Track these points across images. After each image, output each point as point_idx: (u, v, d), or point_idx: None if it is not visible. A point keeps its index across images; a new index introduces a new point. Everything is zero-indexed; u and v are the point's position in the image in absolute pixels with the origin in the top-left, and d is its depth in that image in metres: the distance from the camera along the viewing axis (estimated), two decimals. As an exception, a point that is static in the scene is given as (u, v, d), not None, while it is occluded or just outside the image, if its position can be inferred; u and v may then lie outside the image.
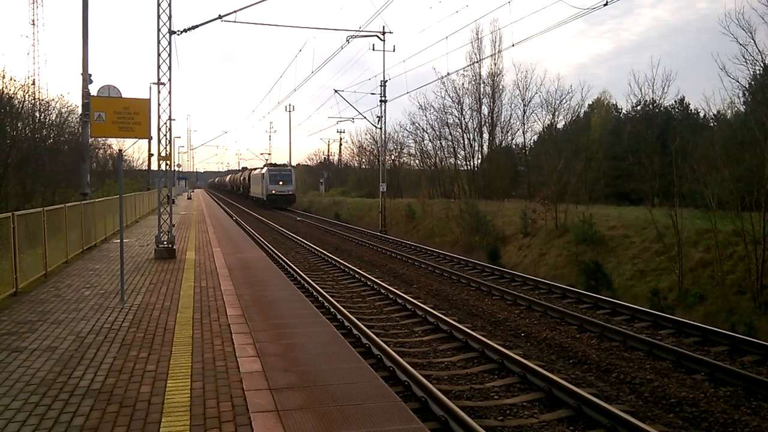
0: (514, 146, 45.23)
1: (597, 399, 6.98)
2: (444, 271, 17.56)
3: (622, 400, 7.60)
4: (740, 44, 20.24)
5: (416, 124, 51.27)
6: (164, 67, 14.85)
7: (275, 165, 57.39)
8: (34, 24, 55.32)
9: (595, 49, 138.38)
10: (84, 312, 8.51)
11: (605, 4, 15.13)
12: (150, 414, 4.80)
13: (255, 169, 69.22)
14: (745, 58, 20.64)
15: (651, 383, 8.07)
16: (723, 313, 14.02)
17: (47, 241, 11.69)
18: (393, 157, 53.37)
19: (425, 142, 50.14)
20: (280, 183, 52.33)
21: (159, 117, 14.89)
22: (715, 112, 32.25)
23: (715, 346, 9.96)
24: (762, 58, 20.57)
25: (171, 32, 15.01)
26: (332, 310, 11.82)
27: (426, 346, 10.02)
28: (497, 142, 43.97)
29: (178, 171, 69.60)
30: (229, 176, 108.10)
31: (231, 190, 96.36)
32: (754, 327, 12.58)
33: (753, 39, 21.39)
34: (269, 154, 75.46)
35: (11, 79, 27.05)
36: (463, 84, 47.66)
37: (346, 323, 10.73)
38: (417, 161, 53.72)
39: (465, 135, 44.26)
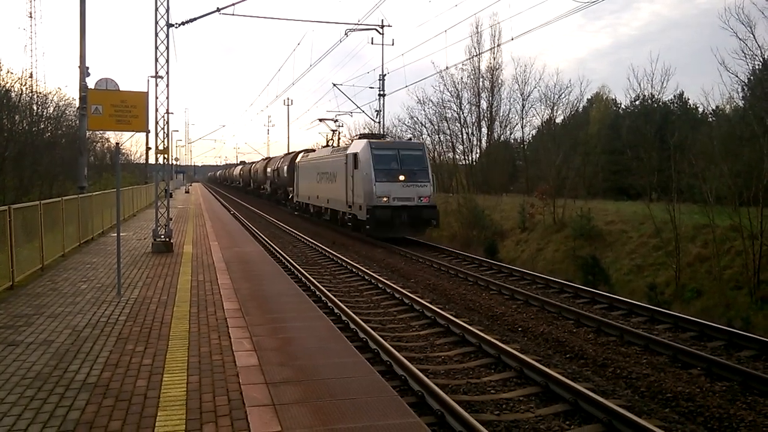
0: (512, 141, 45.34)
1: (593, 393, 6.99)
2: (441, 265, 17.55)
3: (619, 395, 7.61)
4: (740, 39, 20.31)
5: (414, 119, 51.16)
6: (162, 61, 14.79)
7: (377, 136, 27.79)
8: (31, 17, 55.09)
9: (594, 43, 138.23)
10: (80, 306, 8.49)
11: (604, -1, 15.05)
12: (146, 408, 4.79)
13: (309, 150, 36.49)
14: (745, 53, 20.70)
15: (647, 378, 8.08)
16: (720, 308, 14.07)
17: (44, 235, 11.67)
18: (391, 151, 52.99)
19: (423, 136, 50.05)
20: (401, 179, 22.51)
21: (157, 110, 14.87)
22: (714, 107, 32.32)
23: (712, 341, 9.98)
24: (761, 52, 20.62)
25: (169, 25, 14.94)
26: (329, 304, 11.81)
27: (423, 340, 10.03)
28: (496, 136, 44.03)
29: (176, 165, 69.18)
30: (240, 168, 77.30)
31: (242, 187, 70.38)
32: (751, 322, 12.64)
33: (752, 34, 21.46)
34: (335, 122, 35.08)
35: (8, 72, 27.02)
36: (462, 78, 47.82)
37: (344, 318, 10.72)
38: (415, 155, 53.56)
39: (463, 129, 44.30)
